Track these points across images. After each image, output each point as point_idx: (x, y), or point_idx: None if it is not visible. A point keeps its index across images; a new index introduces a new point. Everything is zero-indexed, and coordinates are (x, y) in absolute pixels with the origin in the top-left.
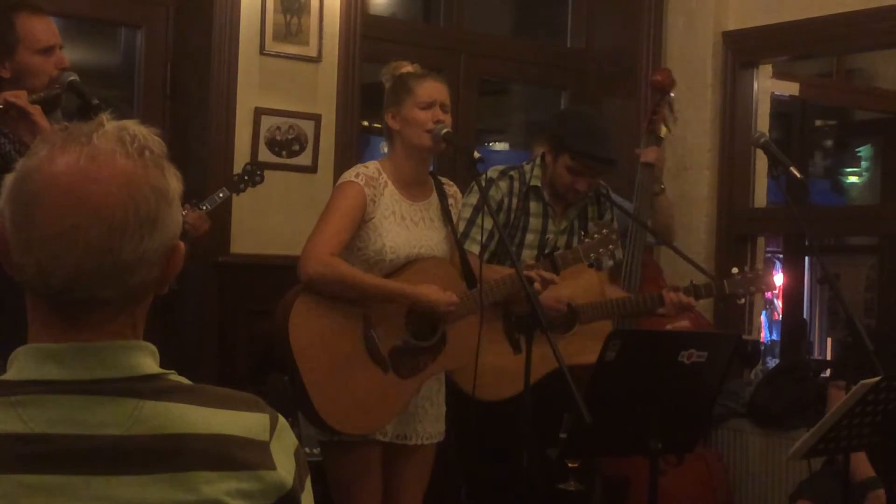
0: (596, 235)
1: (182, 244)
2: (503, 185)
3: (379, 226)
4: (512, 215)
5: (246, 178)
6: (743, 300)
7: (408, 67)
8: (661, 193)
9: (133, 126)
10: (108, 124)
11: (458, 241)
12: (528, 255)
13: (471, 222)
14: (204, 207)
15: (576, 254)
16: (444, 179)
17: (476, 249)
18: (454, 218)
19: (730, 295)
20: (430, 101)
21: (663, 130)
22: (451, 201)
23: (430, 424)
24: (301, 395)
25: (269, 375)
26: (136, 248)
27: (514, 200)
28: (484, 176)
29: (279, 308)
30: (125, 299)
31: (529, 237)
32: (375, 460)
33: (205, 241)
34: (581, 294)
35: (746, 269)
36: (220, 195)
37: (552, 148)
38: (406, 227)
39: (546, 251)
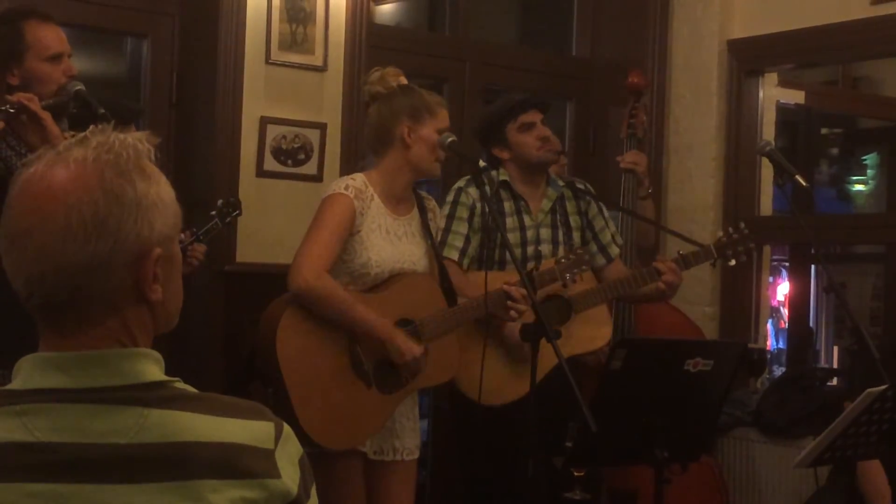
0: (572, 257)
1: (158, 250)
2: (472, 191)
3: (365, 239)
4: (489, 219)
5: (230, 210)
6: (734, 261)
7: (401, 76)
8: (648, 198)
9: (117, 135)
10: (94, 134)
11: (437, 255)
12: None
13: (447, 230)
14: (202, 238)
15: (552, 274)
16: (424, 194)
17: (454, 255)
18: (433, 232)
19: (719, 258)
20: (446, 128)
21: (642, 132)
22: (430, 215)
23: (408, 439)
24: (285, 406)
25: (251, 386)
26: (81, 251)
27: (488, 205)
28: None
29: (264, 319)
30: (96, 304)
31: (510, 237)
32: (357, 472)
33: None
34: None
35: (731, 229)
36: (216, 227)
37: (496, 141)
38: (391, 241)
39: (530, 246)
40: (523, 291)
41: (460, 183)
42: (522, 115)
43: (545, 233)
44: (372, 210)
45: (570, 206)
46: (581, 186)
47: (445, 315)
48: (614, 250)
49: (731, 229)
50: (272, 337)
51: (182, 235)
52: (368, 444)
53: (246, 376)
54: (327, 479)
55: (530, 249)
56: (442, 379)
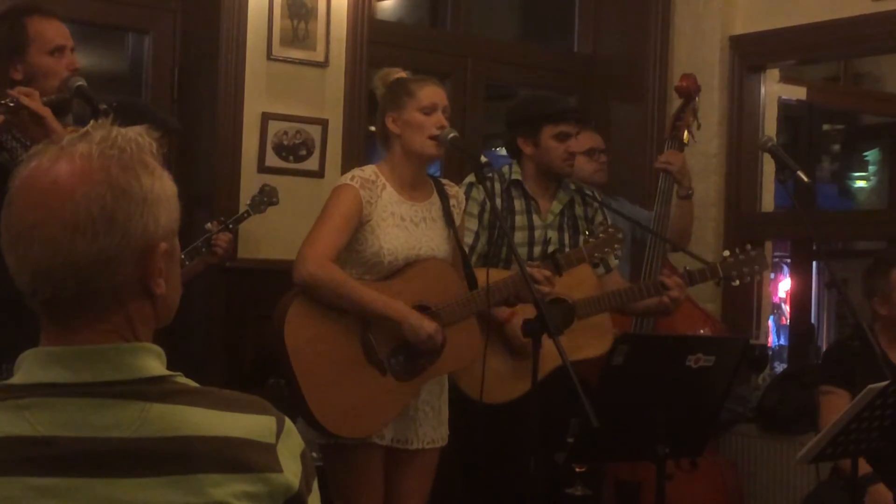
0: (601, 235)
1: (164, 244)
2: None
3: (376, 228)
4: (494, 216)
5: (265, 199)
6: (738, 282)
7: (400, 73)
8: (689, 198)
9: (119, 130)
10: (96, 129)
11: (459, 241)
12: (520, 252)
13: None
14: (230, 227)
15: (579, 254)
16: (445, 181)
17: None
18: (456, 220)
19: (724, 277)
20: (432, 104)
21: (686, 136)
22: (452, 202)
23: (430, 429)
24: (297, 398)
25: (268, 380)
26: (90, 246)
27: (498, 201)
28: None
29: (275, 312)
30: (102, 299)
31: (518, 235)
32: (376, 463)
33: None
34: (577, 288)
35: (737, 250)
36: (246, 215)
37: (527, 134)
38: (405, 228)
39: (537, 247)
40: (546, 273)
41: (471, 178)
42: (564, 123)
43: (553, 234)
44: (384, 198)
45: (578, 211)
46: (589, 193)
47: (464, 300)
48: (613, 261)
49: (737, 250)
50: (281, 329)
51: (209, 225)
52: (387, 433)
53: (254, 375)
54: (344, 469)
55: (538, 250)
56: (459, 365)
